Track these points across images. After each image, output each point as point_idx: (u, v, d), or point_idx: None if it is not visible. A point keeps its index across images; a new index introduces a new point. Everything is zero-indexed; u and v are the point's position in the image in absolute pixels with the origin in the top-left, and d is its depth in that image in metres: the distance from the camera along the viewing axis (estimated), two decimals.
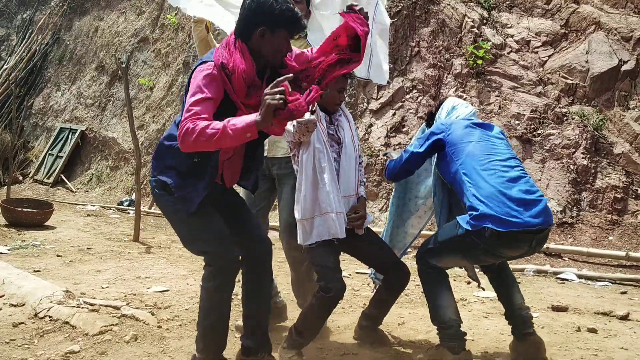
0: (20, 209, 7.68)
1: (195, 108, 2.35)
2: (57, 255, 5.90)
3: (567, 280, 5.45)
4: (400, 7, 9.11)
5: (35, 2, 16.26)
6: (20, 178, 12.99)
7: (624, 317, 4.09)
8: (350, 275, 5.45)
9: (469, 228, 2.81)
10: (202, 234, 2.66)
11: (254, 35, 2.50)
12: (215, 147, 2.36)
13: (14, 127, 11.00)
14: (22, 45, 15.40)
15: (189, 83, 2.50)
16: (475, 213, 2.80)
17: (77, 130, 12.98)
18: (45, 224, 7.78)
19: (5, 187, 10.60)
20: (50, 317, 3.62)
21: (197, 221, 2.65)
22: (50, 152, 13.07)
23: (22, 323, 3.56)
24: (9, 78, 14.46)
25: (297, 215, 3.00)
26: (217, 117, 2.38)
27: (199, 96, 2.38)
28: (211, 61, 2.48)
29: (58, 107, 14.17)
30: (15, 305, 3.88)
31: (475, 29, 8.53)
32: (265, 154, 3.25)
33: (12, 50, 15.64)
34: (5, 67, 14.99)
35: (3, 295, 4.08)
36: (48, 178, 12.58)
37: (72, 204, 10.74)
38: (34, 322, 3.59)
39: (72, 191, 12.06)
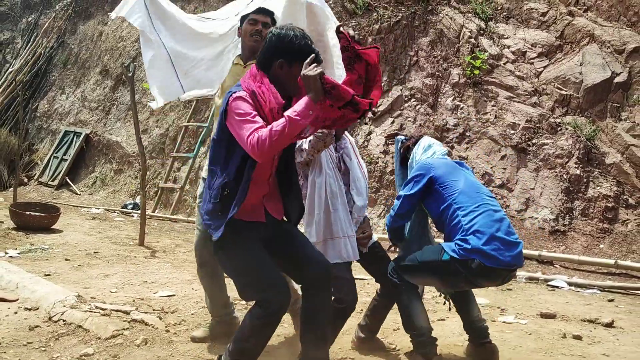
0: (28, 213, 7.88)
1: (249, 125, 2.55)
2: (66, 259, 6.10)
3: (557, 287, 5.65)
4: (399, 17, 9.33)
5: (40, 5, 16.49)
6: (25, 180, 13.20)
7: (609, 325, 4.29)
8: None
9: (457, 257, 3.07)
10: (254, 280, 2.73)
11: (273, 66, 2.72)
12: (290, 137, 2.51)
13: (20, 130, 11.18)
14: (27, 48, 15.62)
15: (223, 115, 2.69)
16: (466, 246, 3.05)
17: (81, 133, 13.19)
18: (53, 227, 7.99)
19: (11, 189, 10.81)
20: (64, 320, 3.83)
21: (242, 263, 2.75)
22: (55, 154, 13.28)
23: (37, 326, 3.77)
24: (15, 81, 14.68)
25: (310, 238, 3.16)
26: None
27: (245, 117, 2.58)
28: (241, 90, 2.69)
29: (63, 110, 14.38)
30: (29, 309, 4.08)
31: (472, 40, 8.74)
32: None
33: (17, 53, 15.86)
34: (10, 70, 15.22)
35: (17, 299, 4.28)
36: (53, 180, 12.79)
37: (77, 206, 10.95)
38: (48, 326, 3.79)
39: (77, 194, 12.27)
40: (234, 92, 2.69)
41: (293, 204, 2.97)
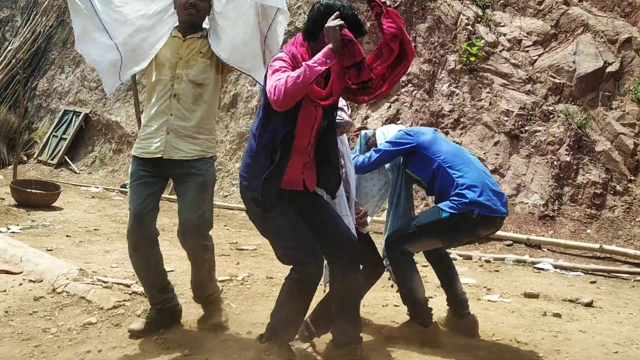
0: (29, 190, 8.04)
1: (275, 77, 2.62)
2: (67, 236, 6.27)
3: (543, 269, 5.85)
4: (398, 2, 9.43)
5: None
6: (25, 159, 13.32)
7: (588, 304, 4.49)
8: None
9: (456, 212, 3.34)
10: (289, 243, 2.82)
11: (321, 36, 2.78)
12: (304, 85, 2.53)
13: (20, 109, 11.28)
14: (26, 26, 15.63)
15: (265, 79, 2.79)
16: (464, 200, 3.34)
17: (81, 113, 13.29)
18: (53, 205, 8.14)
19: (11, 167, 10.94)
20: (67, 292, 4.01)
21: (283, 228, 2.84)
22: (54, 133, 13.40)
23: (42, 297, 3.95)
24: (15, 59, 14.74)
25: None
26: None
27: (275, 72, 2.66)
28: (282, 53, 2.80)
29: (62, 89, 14.47)
30: (34, 281, 4.25)
31: (469, 27, 8.85)
32: (160, 155, 3.28)
33: (16, 31, 15.89)
34: (10, 48, 15.25)
35: (22, 272, 4.46)
36: (52, 159, 12.92)
37: (76, 185, 11.11)
38: (52, 297, 3.97)
39: (76, 173, 12.41)
40: (276, 55, 2.80)
41: (329, 175, 3.03)
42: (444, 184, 3.47)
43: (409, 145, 3.57)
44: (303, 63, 2.59)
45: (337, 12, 2.66)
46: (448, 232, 3.44)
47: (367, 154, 3.69)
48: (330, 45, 2.59)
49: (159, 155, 3.28)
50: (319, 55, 2.59)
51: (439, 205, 3.46)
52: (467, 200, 3.32)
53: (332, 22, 2.60)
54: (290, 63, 2.73)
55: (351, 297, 3.01)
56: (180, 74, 3.32)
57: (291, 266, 2.84)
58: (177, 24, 3.44)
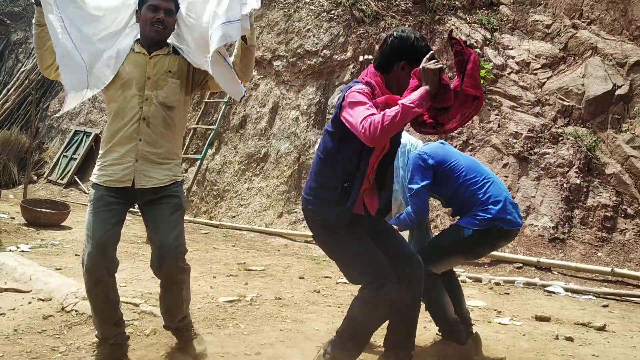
0: (39, 210, 8.08)
1: (364, 112, 2.65)
2: (76, 255, 6.27)
3: (554, 292, 5.79)
4: (407, 25, 9.50)
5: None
6: (35, 178, 13.40)
7: (601, 328, 4.44)
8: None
9: (479, 228, 3.39)
10: (363, 265, 2.86)
11: (395, 68, 2.87)
12: (401, 124, 2.58)
13: (32, 129, 11.39)
14: None
15: (338, 109, 2.82)
16: (488, 215, 3.39)
17: (91, 133, 13.38)
18: (62, 224, 8.17)
19: (21, 187, 11.01)
20: (76, 311, 4.00)
21: (356, 250, 2.88)
22: (64, 153, 13.48)
23: (51, 316, 3.94)
24: (28, 79, 14.92)
25: None
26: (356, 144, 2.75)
27: (361, 106, 2.69)
28: (360, 84, 2.84)
29: (73, 110, 14.58)
30: (43, 300, 4.25)
31: (478, 50, 8.90)
32: (128, 184, 3.06)
33: (29, 53, 16.10)
34: (23, 69, 15.45)
35: (31, 290, 4.46)
36: (62, 179, 12.98)
37: (86, 205, 11.13)
38: (61, 315, 3.96)
39: (85, 192, 12.44)
40: (352, 86, 2.82)
41: (382, 199, 3.10)
42: (466, 198, 3.51)
43: (432, 168, 3.57)
44: (399, 102, 2.60)
45: (432, 53, 2.70)
46: (472, 248, 3.51)
47: (407, 209, 3.65)
48: (427, 88, 2.62)
49: (127, 185, 3.06)
50: (415, 96, 2.60)
51: (460, 223, 3.49)
52: (491, 216, 3.38)
53: (431, 64, 2.64)
54: (369, 96, 2.77)
55: (410, 317, 3.08)
56: (150, 95, 3.07)
57: (361, 285, 2.89)
58: (138, 36, 3.17)
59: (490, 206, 3.40)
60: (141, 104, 3.05)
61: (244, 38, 2.98)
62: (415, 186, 3.56)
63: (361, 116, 2.61)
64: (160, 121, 3.07)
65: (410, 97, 2.60)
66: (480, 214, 3.40)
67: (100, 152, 3.15)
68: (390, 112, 2.56)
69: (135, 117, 3.05)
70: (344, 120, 2.74)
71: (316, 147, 3.03)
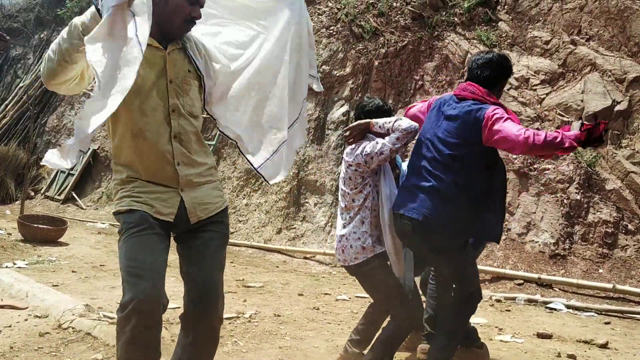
0: (35, 226, 8.02)
1: (516, 125, 2.86)
2: (73, 271, 6.22)
3: (555, 309, 5.74)
4: (406, 42, 9.54)
5: (52, 23, 16.78)
6: (32, 194, 13.35)
7: (603, 345, 4.38)
8: (349, 298, 5.75)
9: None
10: (473, 274, 3.29)
11: (499, 86, 3.16)
12: (551, 150, 2.81)
13: (30, 144, 11.37)
14: (38, 64, 15.87)
15: (478, 131, 2.98)
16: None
17: (89, 148, 13.36)
18: (59, 240, 8.11)
19: (18, 202, 10.95)
20: (73, 328, 3.94)
21: (470, 260, 3.34)
22: (61, 169, 13.44)
23: (47, 333, 3.88)
24: (26, 94, 14.92)
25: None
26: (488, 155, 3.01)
27: (510, 119, 2.91)
28: (491, 105, 3.00)
29: (71, 125, 14.56)
30: (39, 317, 4.19)
31: None
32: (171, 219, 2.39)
33: (28, 69, 16.14)
34: (21, 85, 15.47)
35: (27, 307, 4.40)
36: (59, 195, 12.94)
37: (83, 221, 11.08)
38: (58, 333, 3.90)
39: (82, 208, 12.40)
40: (486, 109, 2.96)
41: None
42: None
43: None
44: (561, 132, 2.77)
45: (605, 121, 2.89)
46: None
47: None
48: (578, 139, 2.76)
49: (171, 219, 2.39)
50: (569, 135, 2.76)
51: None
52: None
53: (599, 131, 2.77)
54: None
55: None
56: (176, 105, 2.35)
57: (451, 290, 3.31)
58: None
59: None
60: (168, 117, 2.34)
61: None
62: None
63: (516, 127, 2.84)
64: (191, 136, 2.41)
65: (566, 134, 2.78)
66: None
67: (119, 177, 2.43)
68: (549, 134, 2.77)
69: (165, 136, 2.33)
70: (492, 137, 2.91)
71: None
